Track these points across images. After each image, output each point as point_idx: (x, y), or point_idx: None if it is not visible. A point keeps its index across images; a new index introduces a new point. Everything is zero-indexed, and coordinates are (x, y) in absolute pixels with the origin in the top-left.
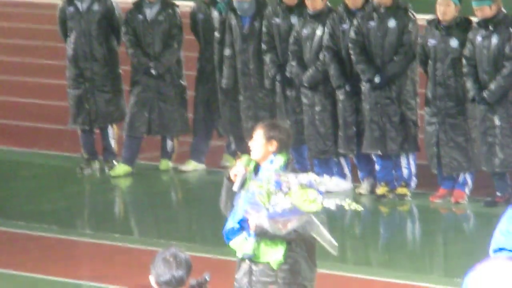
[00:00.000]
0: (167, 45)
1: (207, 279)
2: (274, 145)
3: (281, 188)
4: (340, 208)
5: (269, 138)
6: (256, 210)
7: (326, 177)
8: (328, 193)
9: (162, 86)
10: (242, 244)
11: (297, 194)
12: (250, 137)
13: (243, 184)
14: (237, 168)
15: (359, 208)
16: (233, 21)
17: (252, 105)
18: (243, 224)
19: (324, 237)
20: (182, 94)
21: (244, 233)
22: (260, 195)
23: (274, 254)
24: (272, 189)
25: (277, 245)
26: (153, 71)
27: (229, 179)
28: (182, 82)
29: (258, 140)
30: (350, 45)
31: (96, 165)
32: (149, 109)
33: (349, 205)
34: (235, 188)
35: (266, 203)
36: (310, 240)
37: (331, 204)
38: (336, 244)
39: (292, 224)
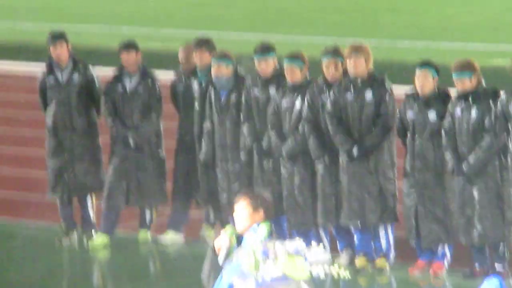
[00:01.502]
0: (146, 116)
1: None
2: (260, 214)
3: (268, 257)
4: (329, 275)
5: (255, 208)
6: (243, 280)
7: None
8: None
9: (140, 157)
10: None
11: (285, 262)
12: (232, 208)
13: (227, 255)
14: (222, 240)
15: (348, 276)
16: (212, 94)
17: (228, 177)
18: None
19: None
20: (160, 165)
21: None
22: (247, 264)
23: None
24: (259, 258)
25: None
26: (131, 142)
27: (213, 251)
28: (161, 153)
29: (244, 211)
30: (327, 117)
31: (74, 235)
32: (127, 180)
33: (338, 272)
34: (221, 260)
35: (254, 272)
36: None
37: (319, 271)
38: None
39: None
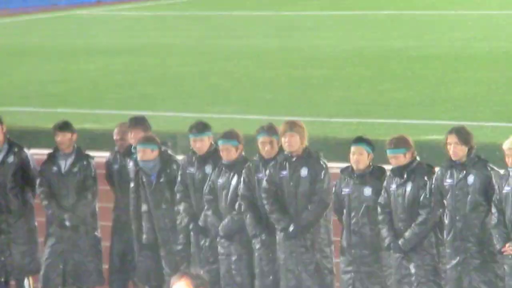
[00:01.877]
0: (81, 196)
1: None
2: None
3: None
4: None
5: (196, 286)
6: None
7: None
8: None
9: (76, 238)
10: None
11: None
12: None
13: None
14: None
15: None
16: (144, 178)
17: (172, 259)
18: None
19: None
20: (96, 245)
21: None
22: None
23: None
24: None
25: None
26: (67, 223)
27: None
28: (97, 234)
29: None
30: (263, 194)
31: None
32: (63, 261)
33: None
34: None
35: None
36: None
37: None
38: None
39: None
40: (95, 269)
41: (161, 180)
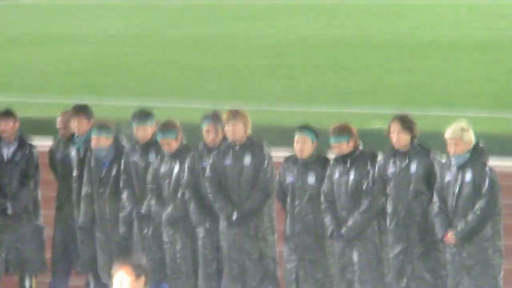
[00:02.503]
0: (24, 185)
1: None
2: (142, 281)
3: None
4: None
5: (138, 275)
6: None
7: None
8: None
9: (18, 226)
10: None
11: None
12: (111, 277)
13: None
14: None
15: None
16: (92, 164)
17: (109, 248)
18: None
19: None
20: (39, 234)
21: None
22: None
23: None
24: None
25: None
26: (9, 211)
27: None
28: (39, 222)
29: (126, 279)
30: (206, 183)
31: None
32: (6, 249)
33: None
34: None
35: None
36: None
37: None
38: None
39: None
40: (37, 257)
41: (112, 169)
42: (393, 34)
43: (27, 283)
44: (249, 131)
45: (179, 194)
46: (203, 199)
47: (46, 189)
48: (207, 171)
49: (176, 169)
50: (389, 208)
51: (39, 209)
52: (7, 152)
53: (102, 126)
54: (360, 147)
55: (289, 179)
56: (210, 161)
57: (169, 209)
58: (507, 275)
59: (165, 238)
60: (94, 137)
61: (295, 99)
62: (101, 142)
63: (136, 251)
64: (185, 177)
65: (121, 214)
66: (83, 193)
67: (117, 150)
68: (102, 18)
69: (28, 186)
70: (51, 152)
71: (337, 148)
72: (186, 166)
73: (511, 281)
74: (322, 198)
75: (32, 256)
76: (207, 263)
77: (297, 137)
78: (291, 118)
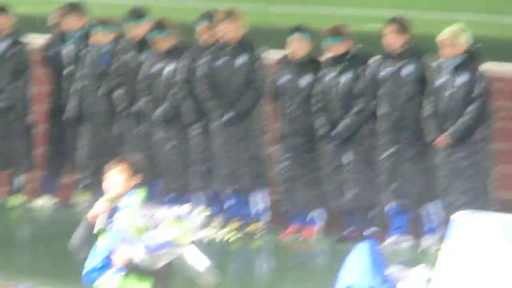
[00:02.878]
0: (13, 81)
1: None
2: (137, 179)
3: (150, 222)
4: (212, 240)
5: (132, 173)
6: (126, 245)
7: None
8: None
9: (7, 122)
10: (108, 283)
11: (168, 227)
12: (105, 174)
13: (103, 223)
14: (98, 208)
15: (234, 238)
16: (88, 59)
17: (98, 144)
18: (106, 262)
19: (197, 269)
20: (28, 130)
21: (109, 271)
22: (130, 229)
23: None
24: (143, 223)
25: (144, 279)
26: None
27: (88, 219)
28: (28, 119)
29: (121, 177)
30: (199, 82)
31: None
32: None
33: (222, 237)
34: (96, 229)
35: (137, 237)
36: (168, 273)
37: (204, 236)
38: (210, 276)
39: (166, 257)
40: (25, 153)
41: (110, 65)
42: None
43: (17, 180)
44: (242, 31)
45: (170, 93)
46: (196, 98)
47: (39, 85)
48: (199, 71)
49: (168, 68)
50: (381, 110)
51: (29, 106)
52: None
53: (101, 22)
54: (354, 49)
55: (282, 80)
56: (203, 60)
57: (160, 108)
58: (499, 179)
59: (156, 137)
60: (93, 32)
61: (289, 0)
62: (98, 37)
63: (128, 149)
64: (179, 76)
65: (117, 111)
66: (72, 88)
67: (118, 48)
68: None
69: (17, 83)
70: (44, 50)
71: (330, 49)
72: (181, 64)
73: (503, 185)
74: (314, 100)
75: (19, 153)
76: (198, 162)
77: (291, 38)
78: (284, 20)
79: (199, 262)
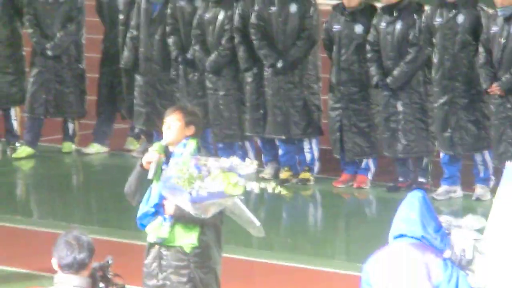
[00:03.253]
0: (65, 26)
1: (110, 262)
2: (192, 129)
3: (201, 172)
4: (264, 191)
5: (187, 123)
6: (175, 194)
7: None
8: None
9: (58, 68)
10: (157, 228)
11: (219, 177)
12: (161, 121)
13: (156, 170)
14: (150, 155)
15: (284, 191)
16: (143, 5)
17: (150, 91)
18: (158, 209)
19: (249, 219)
20: (79, 77)
21: (160, 218)
22: (179, 179)
23: (188, 238)
24: (194, 173)
25: (191, 229)
26: (49, 52)
27: (142, 166)
28: (80, 65)
29: (176, 125)
30: (251, 30)
31: None
32: (46, 91)
33: (274, 188)
34: (150, 175)
35: (187, 187)
36: (218, 224)
37: (254, 187)
38: (260, 226)
39: (216, 207)
40: (76, 100)
41: (164, 11)
42: None
43: (70, 126)
44: None
45: (223, 41)
46: (251, 44)
47: (92, 32)
48: (252, 18)
49: (221, 15)
50: (435, 58)
51: (82, 52)
52: None
53: None
54: None
55: (336, 27)
56: (256, 7)
57: (213, 55)
58: None
59: (208, 85)
60: None
61: None
62: None
63: (181, 96)
64: (232, 23)
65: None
66: (128, 35)
67: None
68: None
69: (69, 29)
70: None
71: None
72: (237, 11)
73: None
74: (368, 47)
75: (70, 99)
76: (254, 108)
77: None
78: None
79: (252, 225)
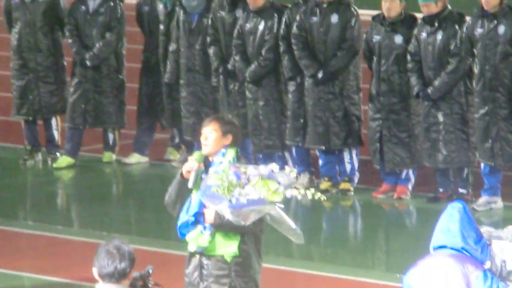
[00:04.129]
0: (104, 37)
1: (150, 272)
2: (229, 139)
3: (241, 180)
4: (304, 198)
5: (225, 133)
6: (215, 203)
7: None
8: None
9: (98, 79)
10: (198, 237)
11: (259, 184)
12: (199, 131)
13: (196, 179)
14: (190, 164)
15: (323, 197)
16: (181, 17)
17: (195, 101)
18: (198, 218)
19: (289, 226)
20: (119, 87)
21: (200, 226)
22: (219, 187)
23: (228, 247)
24: (233, 180)
25: (231, 238)
26: (88, 63)
27: (182, 175)
28: (120, 76)
29: (213, 135)
30: (292, 40)
31: (39, 156)
32: (85, 101)
33: (313, 195)
34: (190, 184)
35: (227, 194)
36: (258, 233)
37: (295, 193)
38: (300, 232)
39: (256, 214)
40: (115, 110)
41: (202, 21)
42: None
43: (110, 136)
44: None
45: (263, 51)
46: (293, 54)
47: (132, 42)
48: (294, 28)
49: (261, 26)
50: (476, 69)
51: (122, 63)
52: (93, 3)
53: None
54: (449, 7)
55: (376, 38)
56: (297, 18)
57: (253, 66)
58: None
59: (248, 95)
60: None
61: None
62: None
63: (222, 107)
64: (281, 31)
65: (211, 70)
66: (170, 49)
67: (208, 1)
68: None
69: (108, 39)
70: (138, 5)
71: (425, 8)
72: (284, 20)
73: None
74: (408, 58)
75: (109, 109)
76: (295, 117)
77: None
78: None
79: (292, 232)
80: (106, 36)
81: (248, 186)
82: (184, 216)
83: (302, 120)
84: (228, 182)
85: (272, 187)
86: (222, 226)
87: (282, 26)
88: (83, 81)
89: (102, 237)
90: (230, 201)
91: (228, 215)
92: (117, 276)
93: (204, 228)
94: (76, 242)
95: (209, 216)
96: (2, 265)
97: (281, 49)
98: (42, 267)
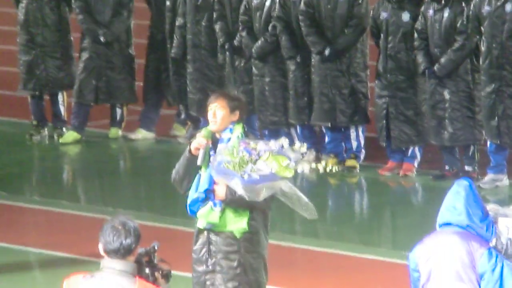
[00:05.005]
0: (117, 13)
1: (156, 248)
2: (237, 115)
3: (251, 155)
4: (315, 172)
5: (233, 109)
6: (227, 179)
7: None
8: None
9: (110, 55)
10: (208, 214)
11: (270, 160)
12: (206, 108)
13: (205, 156)
14: (199, 141)
15: (335, 168)
16: None
17: (200, 78)
18: (208, 194)
19: (301, 201)
20: (130, 63)
21: (210, 203)
22: (229, 163)
23: (238, 223)
24: (245, 156)
25: (241, 214)
26: (101, 39)
27: (190, 152)
28: (130, 51)
29: (222, 112)
30: (300, 17)
31: (45, 131)
32: (96, 77)
33: (325, 168)
34: (199, 161)
35: (239, 170)
36: (266, 209)
37: (305, 168)
38: (313, 207)
39: (268, 190)
40: (127, 86)
41: None
42: None
43: (117, 112)
44: None
45: (269, 27)
46: (294, 32)
47: (139, 18)
48: (301, 5)
49: (268, 2)
50: (483, 47)
51: (131, 38)
52: None
53: None
54: None
55: (384, 15)
56: None
57: (259, 42)
58: None
59: (254, 71)
60: None
61: None
62: None
63: (228, 83)
64: (276, 10)
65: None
66: (177, 23)
67: None
68: None
69: (121, 15)
70: None
71: None
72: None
73: None
74: (415, 35)
75: (121, 85)
76: (298, 96)
77: None
78: None
79: (305, 207)
80: (120, 12)
81: (260, 162)
82: (194, 194)
83: (306, 99)
84: (239, 158)
85: (283, 162)
86: (233, 202)
87: (277, 6)
88: (94, 57)
89: (108, 213)
90: (242, 177)
91: (241, 191)
92: (123, 252)
93: (214, 204)
94: (82, 218)
95: (220, 192)
96: (8, 240)
97: (278, 29)
98: (48, 242)
